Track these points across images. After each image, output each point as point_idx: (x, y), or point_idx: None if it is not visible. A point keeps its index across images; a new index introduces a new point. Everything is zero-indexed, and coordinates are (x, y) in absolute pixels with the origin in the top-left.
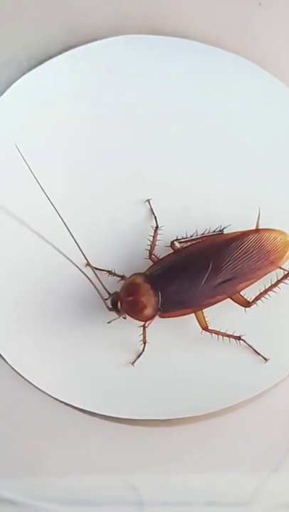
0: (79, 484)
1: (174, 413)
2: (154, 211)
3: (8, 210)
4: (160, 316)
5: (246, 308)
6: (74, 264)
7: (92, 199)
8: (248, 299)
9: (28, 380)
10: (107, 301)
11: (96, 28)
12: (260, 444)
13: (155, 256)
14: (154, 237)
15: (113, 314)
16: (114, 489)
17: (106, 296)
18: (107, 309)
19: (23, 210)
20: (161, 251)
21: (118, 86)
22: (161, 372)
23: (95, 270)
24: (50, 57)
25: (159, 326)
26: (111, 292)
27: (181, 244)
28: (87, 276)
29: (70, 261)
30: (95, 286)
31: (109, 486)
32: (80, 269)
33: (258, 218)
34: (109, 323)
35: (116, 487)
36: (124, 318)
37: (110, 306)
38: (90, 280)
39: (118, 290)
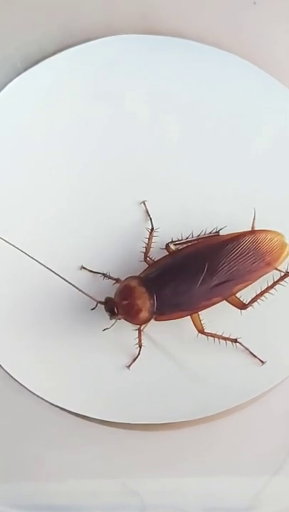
0: (77, 490)
1: (171, 417)
2: (150, 213)
3: (5, 212)
4: (156, 319)
5: (242, 311)
6: (59, 275)
7: (87, 201)
8: (244, 301)
9: (24, 385)
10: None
11: (92, 27)
12: (260, 447)
13: (150, 258)
14: (149, 239)
15: (108, 318)
16: (113, 494)
17: (94, 303)
18: (100, 313)
19: (19, 213)
20: (157, 253)
21: (114, 86)
22: (157, 376)
23: (90, 273)
24: (45, 57)
25: (154, 329)
26: (97, 298)
27: (177, 246)
28: (74, 285)
29: (56, 274)
30: (85, 293)
31: (108, 490)
32: (67, 281)
33: (254, 219)
34: (104, 330)
35: (115, 492)
36: (119, 319)
37: (108, 312)
38: (78, 288)
39: (111, 295)
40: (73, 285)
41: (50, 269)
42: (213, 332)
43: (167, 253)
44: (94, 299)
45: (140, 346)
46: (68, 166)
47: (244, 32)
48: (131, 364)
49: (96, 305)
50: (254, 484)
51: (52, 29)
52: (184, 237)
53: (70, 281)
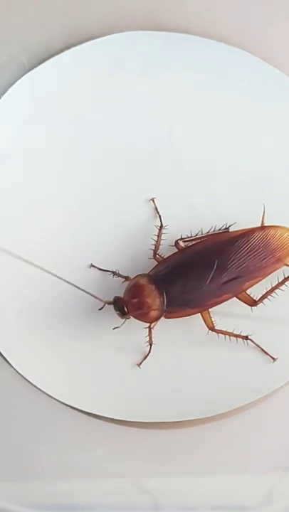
0: (88, 488)
1: (181, 415)
2: (159, 210)
3: (10, 211)
4: (165, 317)
5: (253, 307)
6: (63, 279)
7: (95, 199)
8: (255, 298)
9: (33, 383)
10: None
11: (97, 25)
12: (270, 445)
13: (160, 256)
14: (158, 236)
15: (118, 317)
16: (123, 493)
17: (102, 303)
18: (110, 312)
19: (25, 212)
20: (166, 250)
21: (120, 83)
22: (167, 374)
23: (99, 271)
24: (52, 55)
25: (164, 326)
26: (107, 297)
27: (186, 243)
28: (79, 288)
29: (61, 278)
30: (92, 295)
31: (118, 489)
32: (73, 284)
33: (263, 215)
34: (115, 329)
35: (124, 491)
36: (128, 318)
37: (117, 311)
38: (84, 290)
39: (119, 295)
40: (79, 288)
41: (55, 275)
42: (224, 329)
43: (176, 250)
44: (101, 300)
45: (151, 344)
46: (75, 163)
47: (250, 26)
48: (141, 362)
49: (103, 305)
50: (264, 482)
51: (58, 28)
52: (193, 234)
53: (79, 279)
